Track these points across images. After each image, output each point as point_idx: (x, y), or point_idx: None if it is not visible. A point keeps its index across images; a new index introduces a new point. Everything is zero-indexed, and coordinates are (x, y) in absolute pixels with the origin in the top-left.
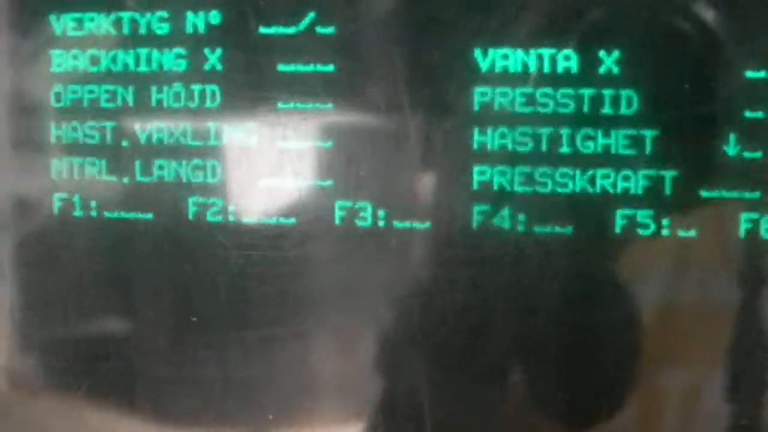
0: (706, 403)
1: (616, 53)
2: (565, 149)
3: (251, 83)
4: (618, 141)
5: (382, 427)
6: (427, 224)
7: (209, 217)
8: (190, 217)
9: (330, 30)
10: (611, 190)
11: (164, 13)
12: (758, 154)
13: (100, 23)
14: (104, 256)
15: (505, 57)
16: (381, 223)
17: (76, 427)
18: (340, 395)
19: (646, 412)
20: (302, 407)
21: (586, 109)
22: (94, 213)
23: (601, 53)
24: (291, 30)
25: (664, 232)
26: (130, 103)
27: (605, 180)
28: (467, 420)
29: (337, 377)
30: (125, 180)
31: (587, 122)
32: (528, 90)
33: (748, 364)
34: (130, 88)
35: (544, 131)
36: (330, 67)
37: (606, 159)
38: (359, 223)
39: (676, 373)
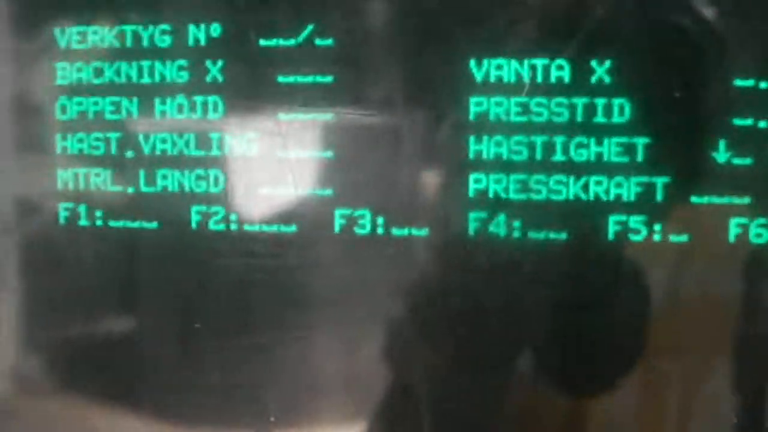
0: (701, 406)
1: (607, 63)
2: (559, 157)
3: (252, 94)
4: (610, 149)
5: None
6: (424, 231)
7: (212, 226)
8: (193, 225)
9: (329, 42)
10: (604, 197)
11: (166, 26)
12: (748, 161)
13: (104, 36)
14: (109, 264)
15: (500, 67)
16: (380, 231)
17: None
18: (341, 400)
19: (641, 416)
20: (304, 411)
21: (579, 117)
22: (99, 222)
23: (593, 63)
24: (290, 42)
25: (656, 237)
26: (134, 114)
27: (598, 187)
28: (467, 425)
29: (337, 382)
30: (130, 190)
31: (580, 130)
32: (522, 99)
33: (738, 366)
34: (134, 100)
35: (539, 140)
36: (329, 78)
37: (599, 166)
38: (358, 230)
39: (671, 378)
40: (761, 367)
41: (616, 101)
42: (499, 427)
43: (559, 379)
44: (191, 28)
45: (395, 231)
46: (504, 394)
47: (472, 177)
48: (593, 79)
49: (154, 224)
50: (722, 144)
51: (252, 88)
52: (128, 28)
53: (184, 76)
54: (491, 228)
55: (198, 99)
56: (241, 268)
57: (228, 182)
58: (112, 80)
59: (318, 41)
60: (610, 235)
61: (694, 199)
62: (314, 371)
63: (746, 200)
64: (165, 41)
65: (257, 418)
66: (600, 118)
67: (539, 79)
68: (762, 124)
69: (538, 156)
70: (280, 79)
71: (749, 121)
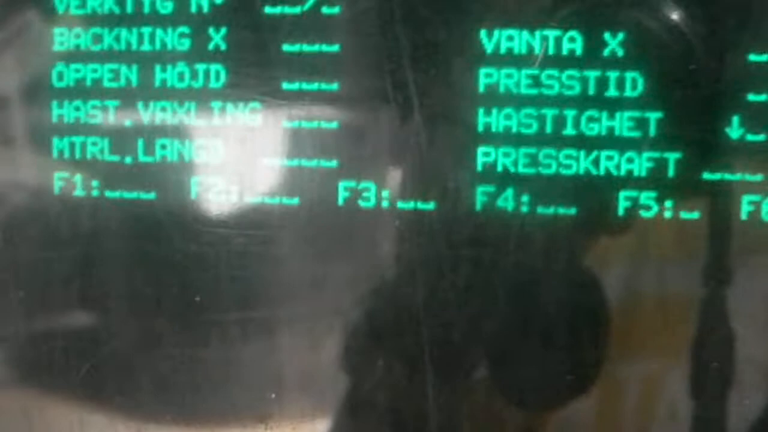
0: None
1: (620, 35)
2: (569, 131)
3: (256, 63)
4: (622, 123)
5: (381, 406)
6: (431, 205)
7: (212, 197)
8: (193, 197)
9: (335, 10)
10: (615, 172)
11: None
12: (761, 137)
13: (104, 1)
14: (105, 236)
15: (510, 38)
16: (385, 204)
17: (74, 409)
18: (343, 375)
19: (648, 392)
20: (306, 387)
21: (591, 90)
22: (95, 193)
23: (606, 35)
24: (296, 9)
25: (667, 214)
26: (134, 82)
27: (609, 162)
28: (468, 397)
29: (340, 356)
30: (128, 159)
31: (592, 104)
32: (533, 71)
33: (748, 342)
34: (134, 67)
35: (549, 113)
36: (335, 48)
37: (610, 141)
38: (363, 203)
39: (681, 353)
40: None
41: (629, 75)
42: (499, 403)
43: (566, 355)
44: None
45: (401, 205)
46: (508, 372)
47: (480, 150)
48: (606, 52)
49: (152, 195)
50: (736, 120)
51: (255, 56)
52: None
53: (186, 43)
54: (499, 202)
55: (200, 67)
56: (241, 241)
57: (229, 153)
58: (111, 47)
59: (325, 9)
60: (621, 211)
61: (706, 175)
62: (317, 346)
63: (759, 177)
64: (167, 7)
65: (258, 395)
66: (612, 92)
67: (551, 50)
68: None
69: (549, 129)
70: (285, 47)
71: (763, 97)
